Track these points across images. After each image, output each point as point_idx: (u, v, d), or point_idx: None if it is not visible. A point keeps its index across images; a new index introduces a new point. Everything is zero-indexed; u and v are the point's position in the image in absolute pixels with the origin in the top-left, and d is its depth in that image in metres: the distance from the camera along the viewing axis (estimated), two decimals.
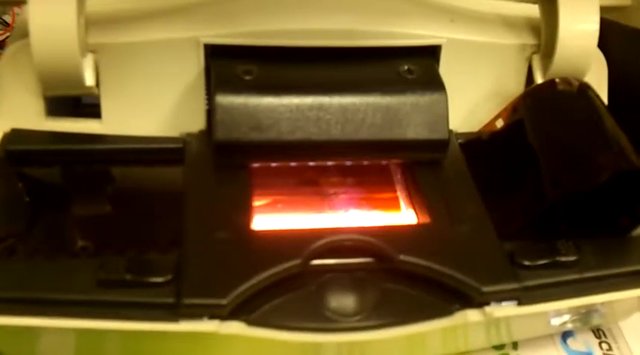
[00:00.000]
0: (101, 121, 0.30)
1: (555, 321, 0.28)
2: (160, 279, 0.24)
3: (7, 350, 0.26)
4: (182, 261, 0.24)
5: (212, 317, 0.23)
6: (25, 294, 0.23)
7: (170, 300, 0.23)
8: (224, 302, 0.23)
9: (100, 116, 0.30)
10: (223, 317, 0.24)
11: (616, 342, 0.31)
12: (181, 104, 0.30)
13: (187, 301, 0.23)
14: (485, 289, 0.25)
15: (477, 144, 0.31)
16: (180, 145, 0.30)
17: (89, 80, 0.28)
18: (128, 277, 0.23)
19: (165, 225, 0.28)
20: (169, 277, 0.24)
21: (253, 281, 0.24)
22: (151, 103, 0.30)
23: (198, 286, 0.24)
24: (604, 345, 0.31)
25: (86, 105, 0.31)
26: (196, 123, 0.30)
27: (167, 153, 0.30)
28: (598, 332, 0.31)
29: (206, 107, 0.30)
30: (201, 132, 0.30)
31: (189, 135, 0.30)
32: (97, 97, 0.29)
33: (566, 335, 0.31)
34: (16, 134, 0.29)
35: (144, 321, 0.23)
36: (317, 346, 0.25)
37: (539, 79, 0.32)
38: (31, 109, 0.29)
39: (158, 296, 0.23)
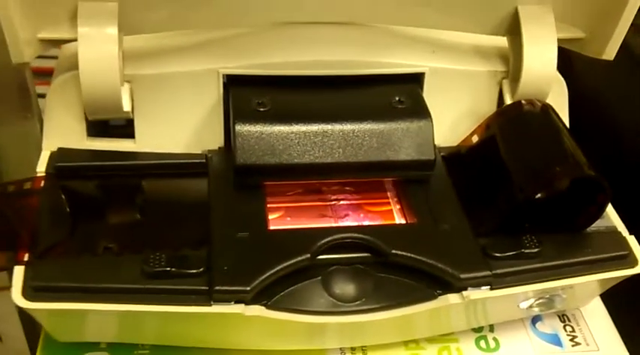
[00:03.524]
0: (134, 140, 0.34)
1: (524, 305, 0.32)
2: (194, 271, 0.29)
3: (58, 333, 0.31)
4: (211, 256, 0.29)
5: (238, 301, 0.28)
6: (84, 284, 0.28)
7: (204, 288, 0.28)
8: (248, 288, 0.28)
9: (132, 136, 0.35)
10: (247, 302, 0.28)
11: (578, 325, 0.35)
12: (203, 125, 0.35)
13: (218, 288, 0.28)
14: (463, 276, 0.29)
15: (456, 157, 0.35)
16: (202, 160, 0.34)
17: (126, 106, 0.33)
18: (169, 269, 0.28)
19: (190, 227, 0.32)
20: (202, 269, 0.29)
21: (271, 272, 0.29)
22: (177, 125, 0.34)
23: (226, 276, 0.28)
24: (568, 328, 0.35)
25: (113, 127, 0.36)
26: (216, 141, 0.35)
27: (191, 167, 0.34)
28: (563, 317, 0.36)
29: (223, 128, 0.35)
30: (220, 149, 0.35)
31: (210, 151, 0.34)
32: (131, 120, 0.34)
33: (535, 320, 0.35)
34: (62, 152, 0.33)
35: (182, 305, 0.28)
36: (323, 326, 0.30)
37: (508, 101, 0.36)
38: (74, 131, 0.34)
39: (193, 285, 0.28)
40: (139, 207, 0.34)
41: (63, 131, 0.34)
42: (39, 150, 0.34)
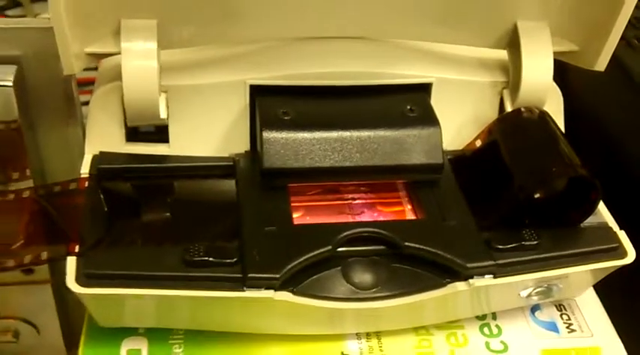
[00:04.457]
0: (168, 145, 0.37)
1: (524, 293, 0.36)
2: (229, 260, 0.32)
3: (102, 318, 0.34)
4: (243, 248, 0.32)
5: (268, 287, 0.31)
6: (131, 272, 0.31)
7: (238, 275, 0.31)
8: (278, 276, 0.31)
9: (166, 140, 0.38)
10: (276, 288, 0.31)
11: (574, 314, 0.38)
12: (230, 131, 0.38)
13: (251, 275, 0.31)
14: (469, 265, 0.33)
15: (461, 159, 0.38)
16: (230, 163, 0.37)
17: (163, 114, 0.36)
18: (207, 258, 0.32)
19: (219, 223, 0.35)
20: (236, 259, 0.32)
21: (297, 261, 0.32)
22: (207, 130, 0.38)
23: (258, 265, 0.32)
24: (564, 316, 0.38)
25: (149, 133, 0.39)
26: (242, 145, 0.38)
27: (220, 169, 0.37)
28: (559, 306, 0.38)
29: (249, 133, 0.38)
30: (246, 153, 0.38)
31: (237, 155, 0.38)
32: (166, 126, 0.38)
33: (534, 309, 0.38)
34: (103, 155, 0.36)
35: (219, 291, 0.31)
36: (342, 312, 0.33)
37: (508, 108, 0.38)
38: (114, 136, 0.37)
39: (229, 273, 0.31)
40: (172, 205, 0.37)
41: (104, 136, 0.37)
42: (80, 153, 0.37)
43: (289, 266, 0.31)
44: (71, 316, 0.44)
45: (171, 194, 0.37)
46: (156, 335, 0.35)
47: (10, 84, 0.32)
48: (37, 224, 0.35)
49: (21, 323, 0.42)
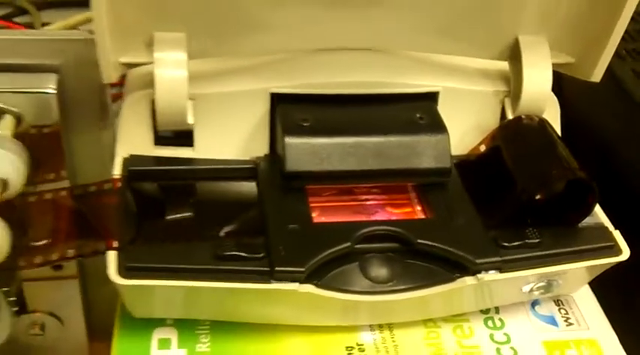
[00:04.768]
0: (193, 149, 0.40)
1: (526, 288, 0.38)
2: (257, 255, 0.34)
3: (136, 309, 0.36)
4: (269, 244, 0.35)
5: (293, 280, 0.34)
6: (167, 265, 0.33)
7: (266, 269, 0.34)
8: (303, 270, 0.34)
9: (191, 145, 0.40)
10: (301, 281, 0.34)
11: (571, 309, 0.40)
12: (251, 136, 0.40)
13: (278, 269, 0.34)
14: (478, 261, 0.35)
15: (466, 163, 0.40)
16: (252, 166, 0.40)
17: (190, 119, 0.39)
18: (236, 253, 0.34)
19: (241, 221, 0.38)
20: (263, 254, 0.35)
21: (320, 256, 0.34)
22: (230, 135, 0.40)
23: (284, 259, 0.34)
24: (562, 311, 0.40)
25: (169, 137, 0.41)
26: (262, 149, 0.40)
27: (242, 172, 0.39)
28: (558, 302, 0.40)
29: (269, 138, 0.41)
30: (266, 156, 0.40)
31: (258, 158, 0.40)
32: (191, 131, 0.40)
33: (534, 304, 0.40)
34: (133, 158, 0.39)
35: (248, 283, 0.34)
36: (359, 304, 0.36)
37: (509, 116, 0.41)
38: (143, 140, 0.39)
39: (257, 266, 0.34)
40: (196, 204, 0.39)
41: (133, 140, 0.39)
42: (109, 156, 0.40)
43: (313, 261, 0.34)
44: (92, 310, 0.46)
45: (196, 194, 0.39)
46: (184, 325, 0.37)
47: (54, 91, 0.35)
48: (73, 222, 0.37)
49: (47, 316, 0.44)
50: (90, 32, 0.35)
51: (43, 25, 0.68)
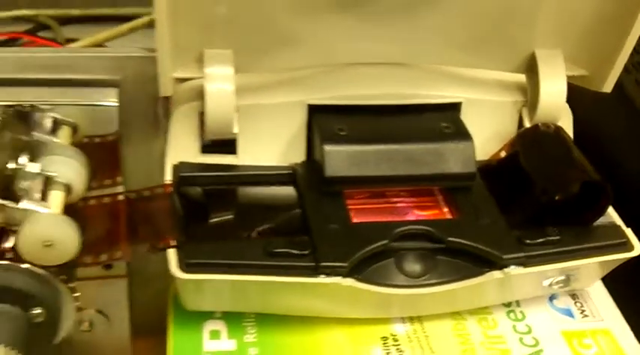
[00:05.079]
0: (237, 156, 0.43)
1: (546, 283, 0.42)
2: (304, 252, 0.38)
3: (190, 302, 0.39)
4: (313, 242, 0.38)
5: (336, 274, 0.37)
6: (223, 261, 0.37)
7: (312, 264, 0.37)
8: (345, 265, 0.37)
9: (234, 152, 0.43)
10: (343, 275, 0.37)
11: (586, 302, 0.43)
12: (289, 143, 0.43)
13: (323, 264, 0.37)
14: (504, 257, 0.38)
15: (489, 168, 0.44)
16: (290, 171, 0.43)
17: (235, 129, 0.42)
18: (285, 250, 0.38)
19: (282, 221, 0.41)
20: (309, 251, 0.38)
21: (361, 253, 0.38)
22: (270, 143, 0.43)
23: (328, 256, 0.37)
24: (578, 304, 0.43)
25: (215, 145, 0.43)
26: (299, 156, 0.43)
27: (281, 177, 0.43)
28: (574, 296, 0.43)
29: (306, 146, 0.44)
30: (303, 162, 0.43)
31: (295, 164, 0.43)
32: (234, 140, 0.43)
33: (552, 297, 0.43)
34: (182, 165, 0.42)
35: (296, 277, 0.37)
36: (394, 297, 0.39)
37: (527, 124, 0.44)
38: (191, 148, 0.42)
39: (304, 262, 0.37)
40: (240, 206, 0.42)
41: (182, 148, 0.42)
42: (157, 163, 0.43)
43: (354, 257, 0.37)
44: (135, 308, 0.49)
45: (239, 198, 0.43)
46: (231, 318, 0.41)
47: (116, 104, 0.38)
48: (128, 224, 0.40)
49: (96, 314, 0.47)
50: (148, 50, 0.38)
51: (67, 40, 0.71)
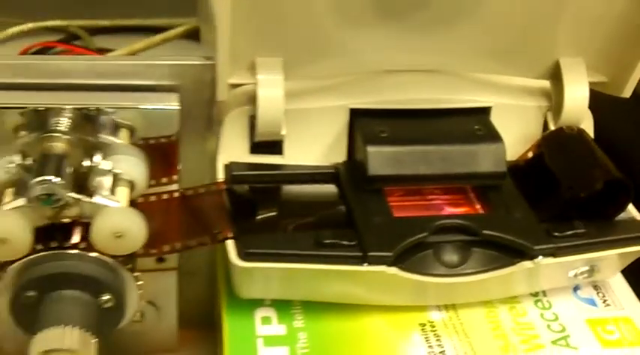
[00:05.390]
0: (282, 156, 0.46)
1: (571, 273, 0.45)
2: (352, 243, 0.41)
3: (243, 290, 0.43)
4: (360, 234, 0.41)
5: (382, 263, 0.40)
6: (277, 251, 0.40)
7: (359, 254, 0.40)
8: (390, 255, 0.41)
9: (281, 152, 0.47)
10: (388, 264, 0.41)
11: (607, 292, 0.46)
12: (331, 144, 0.47)
13: (370, 254, 0.40)
14: (535, 248, 0.41)
15: (517, 168, 0.47)
16: (332, 171, 0.46)
17: (283, 131, 0.46)
18: (335, 241, 0.41)
19: (326, 216, 0.45)
20: (356, 242, 0.41)
21: (404, 243, 0.41)
22: (313, 144, 0.46)
23: (374, 246, 0.41)
24: (600, 294, 0.46)
25: (263, 146, 0.46)
26: (340, 156, 0.47)
27: (324, 176, 0.46)
28: (596, 287, 0.47)
29: (347, 146, 0.48)
30: (344, 162, 0.47)
31: (337, 164, 0.47)
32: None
33: (576, 288, 0.46)
34: (233, 164, 0.45)
35: (344, 266, 0.40)
36: (431, 285, 0.42)
37: (552, 127, 0.47)
38: (241, 149, 0.46)
39: (352, 252, 0.40)
40: (287, 202, 0.46)
41: (233, 149, 0.45)
42: (209, 162, 0.46)
43: (398, 248, 0.40)
44: (186, 300, 0.51)
45: (285, 194, 0.46)
46: (280, 305, 0.44)
47: (178, 107, 0.41)
48: (184, 219, 0.43)
49: (147, 304, 0.50)
50: (205, 58, 0.42)
51: (99, 50, 0.74)
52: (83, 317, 0.38)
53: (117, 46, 0.73)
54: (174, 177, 0.44)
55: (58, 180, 0.36)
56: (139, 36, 0.77)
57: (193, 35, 0.77)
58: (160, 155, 0.43)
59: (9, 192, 0.39)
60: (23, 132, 0.41)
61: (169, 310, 0.49)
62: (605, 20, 0.46)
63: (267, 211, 0.45)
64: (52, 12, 0.75)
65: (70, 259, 0.38)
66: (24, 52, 0.68)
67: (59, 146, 0.38)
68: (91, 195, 0.38)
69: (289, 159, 0.46)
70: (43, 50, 0.72)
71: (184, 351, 0.52)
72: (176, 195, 0.43)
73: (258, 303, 0.44)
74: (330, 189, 0.46)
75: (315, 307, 0.44)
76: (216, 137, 0.46)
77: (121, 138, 0.43)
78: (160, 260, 0.48)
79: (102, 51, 0.73)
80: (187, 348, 0.52)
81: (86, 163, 0.38)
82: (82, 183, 0.39)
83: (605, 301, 0.46)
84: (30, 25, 0.73)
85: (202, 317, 0.53)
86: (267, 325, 0.43)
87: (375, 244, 0.40)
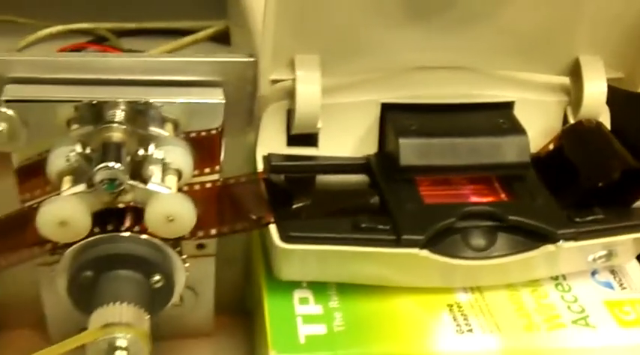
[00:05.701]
0: (317, 148, 0.49)
1: (590, 258, 0.48)
2: (387, 227, 0.44)
3: (283, 272, 0.45)
4: (393, 219, 0.44)
5: (415, 246, 0.43)
6: (317, 234, 0.43)
7: (393, 237, 0.43)
8: (422, 238, 0.43)
9: (316, 145, 0.50)
10: (420, 247, 0.43)
11: (624, 276, 0.49)
12: (363, 137, 0.50)
13: (403, 237, 0.43)
14: (558, 232, 0.44)
15: (539, 159, 0.49)
16: (364, 162, 0.49)
17: (319, 124, 0.48)
18: (371, 225, 0.44)
19: (360, 204, 0.48)
20: (390, 226, 0.44)
21: (434, 228, 0.44)
22: (346, 136, 0.49)
23: (407, 230, 0.43)
24: (617, 278, 0.49)
25: (299, 138, 0.49)
26: (371, 148, 0.50)
27: (356, 167, 0.49)
28: (612, 271, 0.49)
29: (378, 139, 0.50)
30: (375, 154, 0.50)
31: (368, 155, 0.50)
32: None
33: (594, 273, 0.49)
34: (271, 155, 0.48)
35: (380, 248, 0.43)
36: (459, 267, 0.44)
37: (571, 120, 0.49)
38: (278, 141, 0.48)
39: (387, 235, 0.43)
40: (322, 191, 0.49)
41: (271, 141, 0.48)
42: (248, 153, 0.49)
43: (429, 231, 0.43)
44: (222, 286, 0.54)
45: (321, 184, 0.49)
46: (316, 287, 0.47)
47: (224, 101, 0.44)
48: (227, 206, 0.46)
49: (186, 289, 0.52)
50: (247, 55, 0.45)
51: (126, 51, 0.76)
52: (137, 295, 0.41)
53: (144, 48, 0.76)
54: (217, 168, 0.47)
55: (119, 166, 0.38)
56: (164, 38, 0.80)
57: (219, 38, 0.80)
58: (205, 147, 0.46)
59: (67, 179, 0.42)
60: (76, 125, 0.44)
61: (207, 295, 0.52)
62: (623, 19, 0.48)
63: (303, 200, 0.47)
64: (79, 15, 0.78)
65: (125, 241, 0.41)
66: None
67: (118, 136, 0.41)
68: (145, 182, 0.41)
69: (323, 150, 0.49)
70: (76, 51, 0.74)
71: (218, 336, 0.55)
72: (218, 184, 0.46)
73: (295, 285, 0.47)
74: (361, 179, 0.49)
75: (348, 289, 0.46)
76: (255, 130, 0.48)
77: (169, 131, 0.46)
78: (200, 246, 0.50)
79: (130, 52, 0.75)
80: (221, 333, 0.54)
81: (141, 152, 0.41)
82: (134, 171, 0.42)
83: (621, 285, 0.49)
84: (59, 28, 0.76)
85: (235, 303, 0.56)
86: (304, 305, 0.46)
87: (408, 228, 0.43)
